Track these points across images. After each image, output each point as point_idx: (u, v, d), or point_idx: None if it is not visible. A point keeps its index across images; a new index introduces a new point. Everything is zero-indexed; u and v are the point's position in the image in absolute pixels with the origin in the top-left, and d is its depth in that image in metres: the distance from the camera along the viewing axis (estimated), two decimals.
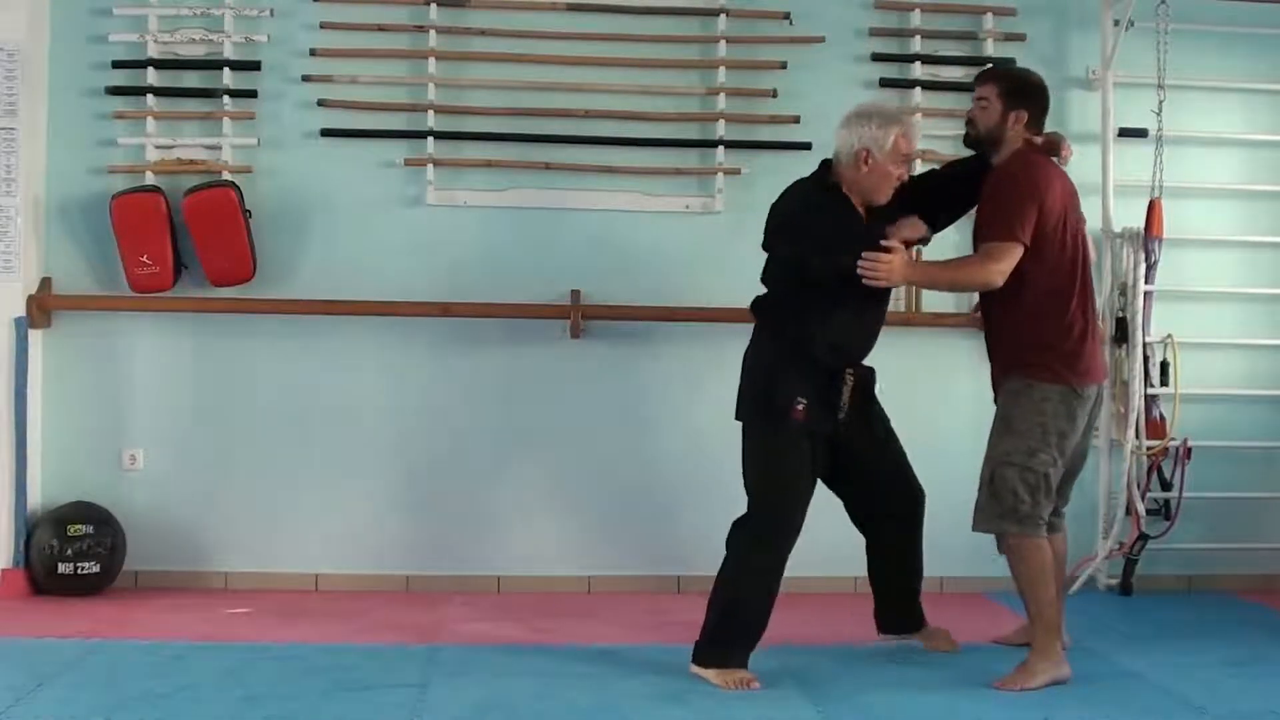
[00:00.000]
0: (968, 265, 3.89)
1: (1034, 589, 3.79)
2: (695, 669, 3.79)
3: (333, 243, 4.92)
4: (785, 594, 4.08)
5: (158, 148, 4.86)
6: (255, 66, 4.90)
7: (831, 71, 5.07)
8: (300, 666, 3.79)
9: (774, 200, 3.96)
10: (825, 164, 3.99)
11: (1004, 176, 3.86)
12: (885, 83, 5.07)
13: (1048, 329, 3.84)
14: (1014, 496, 3.77)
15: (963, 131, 4.06)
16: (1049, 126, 4.03)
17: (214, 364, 4.90)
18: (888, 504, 4.07)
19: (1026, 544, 3.79)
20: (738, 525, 3.87)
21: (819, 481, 3.94)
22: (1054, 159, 3.96)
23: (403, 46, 4.97)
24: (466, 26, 4.99)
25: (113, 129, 4.86)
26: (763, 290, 4.01)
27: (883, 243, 3.75)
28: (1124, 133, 5.09)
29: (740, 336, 4.15)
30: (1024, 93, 3.93)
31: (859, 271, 3.72)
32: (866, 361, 4.00)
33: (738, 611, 3.80)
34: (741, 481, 3.88)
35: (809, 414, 3.78)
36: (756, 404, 3.88)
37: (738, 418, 3.93)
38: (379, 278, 4.91)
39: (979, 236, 3.88)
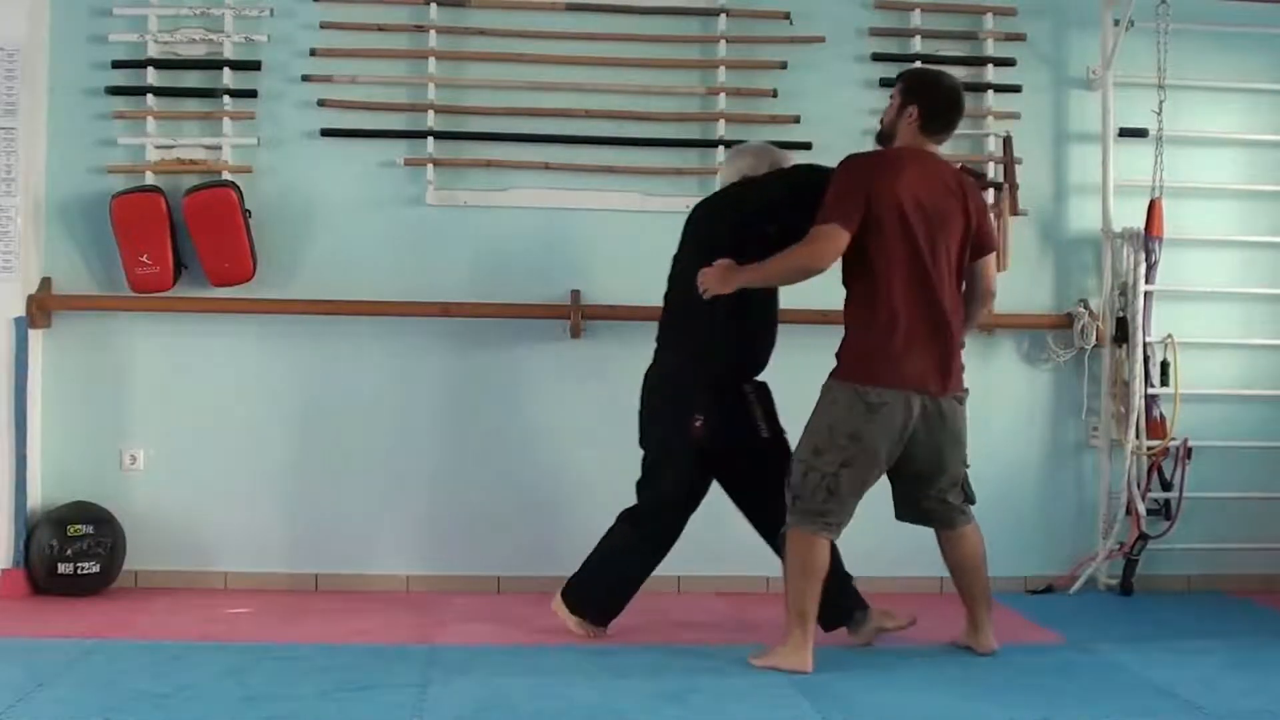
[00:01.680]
0: (789, 251, 3.79)
1: (795, 582, 3.82)
2: (556, 607, 4.19)
3: (333, 243, 4.92)
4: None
5: (158, 148, 4.86)
6: (255, 66, 4.90)
7: (831, 71, 5.07)
8: (300, 666, 3.78)
9: None
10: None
11: (842, 164, 3.86)
12: (885, 83, 5.04)
13: (856, 323, 3.83)
14: (796, 489, 3.81)
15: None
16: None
17: (214, 364, 4.90)
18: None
19: (797, 535, 3.81)
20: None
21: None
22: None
23: (403, 46, 4.97)
24: (466, 26, 4.99)
25: (113, 129, 4.86)
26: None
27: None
28: (1124, 133, 5.10)
29: None
30: (916, 90, 3.90)
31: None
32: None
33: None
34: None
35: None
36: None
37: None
38: (379, 278, 4.91)
39: None
